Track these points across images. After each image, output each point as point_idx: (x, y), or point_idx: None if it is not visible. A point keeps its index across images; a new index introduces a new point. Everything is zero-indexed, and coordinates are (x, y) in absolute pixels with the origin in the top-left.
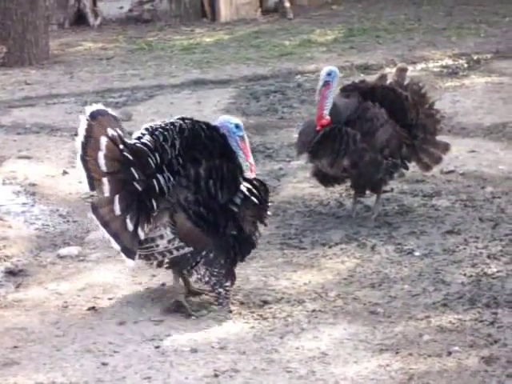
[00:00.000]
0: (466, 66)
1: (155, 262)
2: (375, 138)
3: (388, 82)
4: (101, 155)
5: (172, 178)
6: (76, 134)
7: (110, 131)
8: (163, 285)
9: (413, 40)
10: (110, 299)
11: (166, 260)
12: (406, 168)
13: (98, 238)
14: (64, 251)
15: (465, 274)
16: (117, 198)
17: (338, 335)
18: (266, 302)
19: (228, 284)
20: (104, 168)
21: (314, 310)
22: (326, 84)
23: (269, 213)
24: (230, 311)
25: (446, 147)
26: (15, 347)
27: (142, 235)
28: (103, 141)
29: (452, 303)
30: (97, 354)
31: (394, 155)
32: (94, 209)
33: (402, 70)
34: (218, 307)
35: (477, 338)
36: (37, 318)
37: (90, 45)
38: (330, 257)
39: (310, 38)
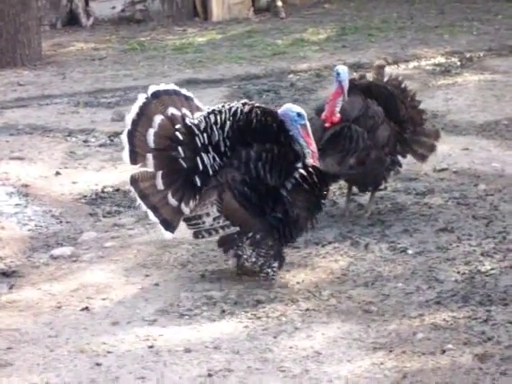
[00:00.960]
0: (458, 63)
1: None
2: (377, 136)
3: (385, 80)
4: (151, 132)
5: (219, 159)
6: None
7: (172, 110)
8: (156, 285)
9: (405, 38)
10: (103, 299)
11: (216, 238)
12: (400, 165)
13: (91, 238)
14: (57, 252)
15: (458, 272)
16: (160, 173)
17: (331, 334)
18: (259, 302)
19: (276, 265)
20: (152, 144)
21: (307, 309)
22: (340, 84)
23: (323, 201)
24: (224, 310)
25: (436, 134)
26: (9, 348)
27: (186, 211)
28: (157, 119)
29: (446, 301)
30: (90, 355)
31: (393, 152)
32: (134, 181)
33: (380, 67)
34: (265, 282)
35: (470, 336)
36: (30, 319)
37: (82, 45)
38: (323, 256)
39: (303, 37)
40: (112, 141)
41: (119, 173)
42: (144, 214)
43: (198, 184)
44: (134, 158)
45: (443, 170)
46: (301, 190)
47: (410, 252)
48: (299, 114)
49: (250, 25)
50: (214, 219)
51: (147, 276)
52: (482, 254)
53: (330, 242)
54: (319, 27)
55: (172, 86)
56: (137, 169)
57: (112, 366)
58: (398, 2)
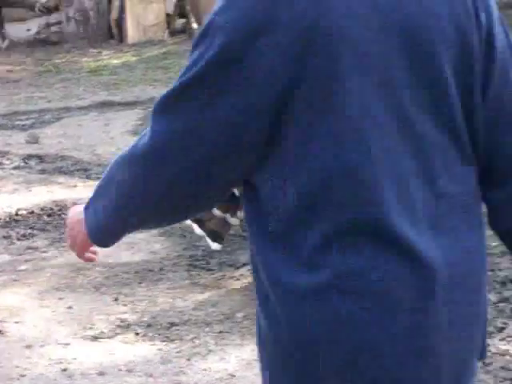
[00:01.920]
0: None
1: None
2: None
3: None
4: None
5: None
6: None
7: None
8: (70, 308)
9: None
10: (16, 323)
11: None
12: None
13: (5, 261)
14: None
15: None
16: None
17: (245, 356)
18: (172, 324)
19: None
20: None
21: (220, 332)
22: None
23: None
24: (137, 333)
25: None
26: None
27: (230, 221)
28: None
29: None
30: (3, 378)
31: None
32: None
33: None
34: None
35: None
36: None
37: None
38: (237, 278)
39: None
40: (26, 163)
41: (33, 196)
42: (58, 236)
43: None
44: None
45: None
46: None
47: None
48: None
49: (166, 47)
50: None
51: (61, 299)
52: None
53: (244, 264)
54: None
55: None
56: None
57: None
58: None
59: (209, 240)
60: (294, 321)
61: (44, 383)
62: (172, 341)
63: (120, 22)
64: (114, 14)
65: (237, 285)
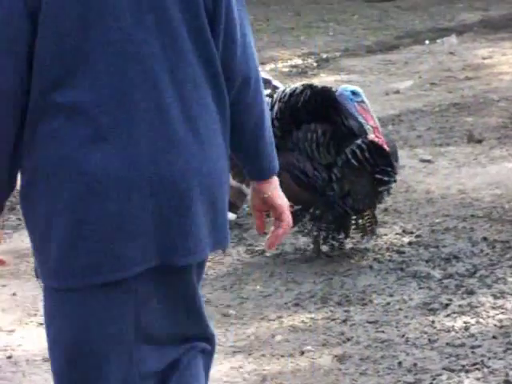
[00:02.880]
0: (315, 64)
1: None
2: None
3: None
4: None
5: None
6: None
7: None
8: (14, 294)
9: (262, 40)
10: None
11: None
12: None
13: None
14: None
15: (316, 273)
16: None
17: None
18: None
19: (341, 236)
20: None
21: None
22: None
23: (379, 176)
24: None
25: None
26: None
27: (246, 191)
28: None
29: (304, 303)
30: None
31: None
32: None
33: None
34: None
35: (329, 337)
36: None
37: None
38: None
39: None
40: None
41: None
42: (1, 223)
43: None
44: None
45: None
46: (350, 165)
47: (267, 254)
48: (354, 93)
49: None
50: None
51: (4, 286)
52: (339, 256)
53: None
54: None
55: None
56: None
57: None
58: (254, 3)
59: None
60: None
61: None
62: None
63: None
64: None
65: None
